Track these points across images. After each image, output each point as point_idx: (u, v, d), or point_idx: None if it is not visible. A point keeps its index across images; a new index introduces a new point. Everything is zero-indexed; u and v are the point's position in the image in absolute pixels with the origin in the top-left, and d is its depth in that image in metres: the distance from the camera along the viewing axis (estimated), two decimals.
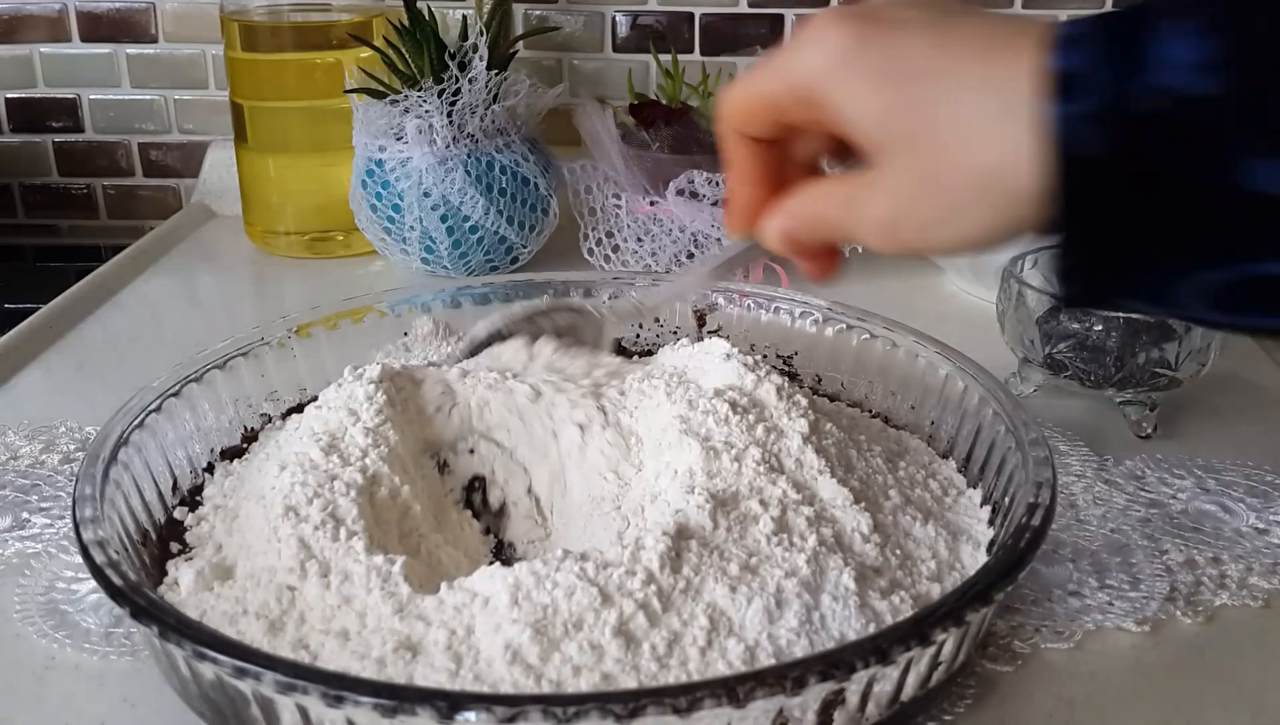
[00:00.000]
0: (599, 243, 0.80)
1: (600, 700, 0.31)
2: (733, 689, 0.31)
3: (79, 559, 0.39)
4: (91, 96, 1.03)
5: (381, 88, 0.78)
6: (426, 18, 0.76)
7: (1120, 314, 0.57)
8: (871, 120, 0.35)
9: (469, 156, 0.78)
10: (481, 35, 0.76)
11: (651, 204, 0.79)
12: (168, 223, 0.95)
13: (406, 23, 0.76)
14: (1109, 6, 0.98)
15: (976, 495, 0.48)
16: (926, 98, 0.34)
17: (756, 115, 0.40)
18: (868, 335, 0.58)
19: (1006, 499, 0.45)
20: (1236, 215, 0.30)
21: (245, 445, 0.53)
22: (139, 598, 0.36)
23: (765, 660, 0.36)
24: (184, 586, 0.41)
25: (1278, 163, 0.29)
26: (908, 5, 0.36)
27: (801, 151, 0.42)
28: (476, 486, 0.48)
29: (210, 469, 0.51)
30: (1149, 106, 0.30)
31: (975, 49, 0.34)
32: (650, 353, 0.63)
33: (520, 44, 0.83)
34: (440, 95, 0.76)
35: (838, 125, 0.37)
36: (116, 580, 0.37)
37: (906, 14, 0.36)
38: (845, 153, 0.41)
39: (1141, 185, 0.31)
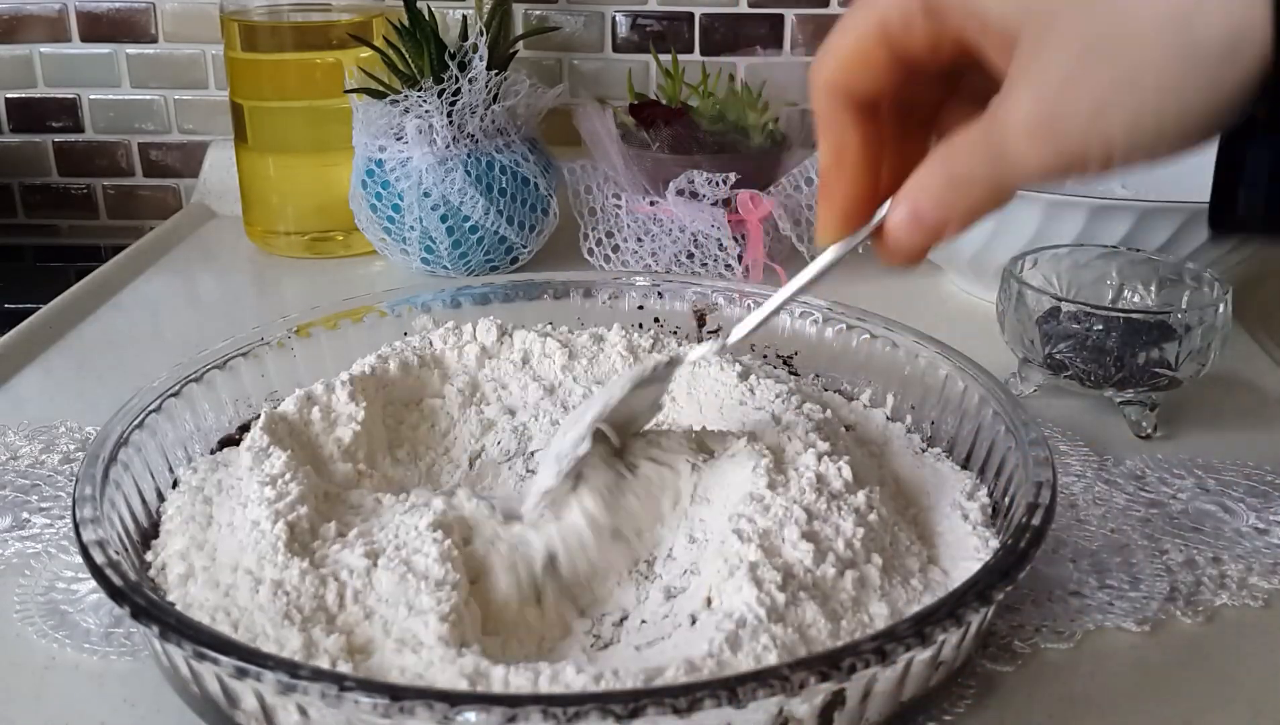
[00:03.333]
0: (599, 243, 0.80)
1: (600, 700, 0.31)
2: (733, 689, 0.31)
3: (79, 559, 0.39)
4: (91, 96, 1.03)
5: (381, 88, 0.78)
6: (426, 18, 0.76)
7: (1120, 313, 0.57)
8: None
9: (469, 156, 0.78)
10: (481, 35, 0.76)
11: (651, 204, 0.79)
12: (168, 223, 0.95)
13: (406, 23, 0.76)
14: None
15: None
16: None
17: (868, 55, 0.32)
18: (868, 335, 0.58)
19: (1006, 499, 0.45)
20: None
21: (238, 434, 0.53)
22: (139, 598, 0.36)
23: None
24: (171, 578, 0.41)
25: None
26: None
27: (915, 120, 0.35)
28: None
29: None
30: None
31: None
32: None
33: (520, 44, 0.82)
34: (440, 95, 0.76)
35: (968, 23, 0.29)
36: (116, 580, 0.37)
37: None
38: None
39: None
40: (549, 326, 0.61)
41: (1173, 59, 0.26)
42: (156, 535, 0.45)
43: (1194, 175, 0.89)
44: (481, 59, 0.76)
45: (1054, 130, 0.28)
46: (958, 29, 0.30)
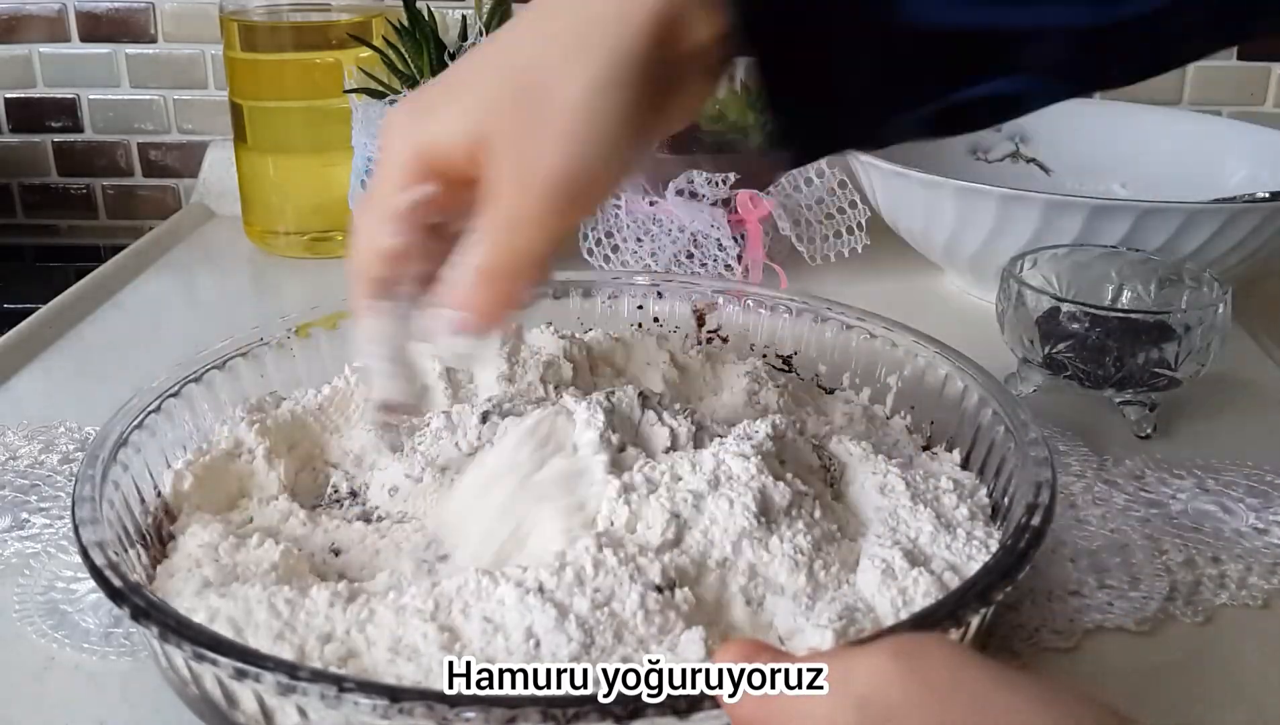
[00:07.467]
0: (599, 243, 0.80)
1: (599, 701, 0.31)
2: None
3: (78, 559, 0.39)
4: (91, 96, 1.03)
5: (381, 88, 0.78)
6: (426, 18, 0.76)
7: (1120, 314, 0.57)
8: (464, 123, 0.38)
9: None
10: (481, 35, 0.76)
11: (651, 204, 0.79)
12: (167, 223, 0.95)
13: (406, 23, 0.76)
14: None
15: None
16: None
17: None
18: (867, 335, 0.58)
19: (1006, 499, 0.45)
20: (917, 52, 0.33)
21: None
22: (138, 598, 0.36)
23: None
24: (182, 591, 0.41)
25: None
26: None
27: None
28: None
29: None
30: None
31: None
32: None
33: None
34: None
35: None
36: (115, 581, 0.37)
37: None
38: None
39: (816, 34, 0.33)
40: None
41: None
42: (156, 535, 0.45)
43: (1193, 177, 0.89)
44: None
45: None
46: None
